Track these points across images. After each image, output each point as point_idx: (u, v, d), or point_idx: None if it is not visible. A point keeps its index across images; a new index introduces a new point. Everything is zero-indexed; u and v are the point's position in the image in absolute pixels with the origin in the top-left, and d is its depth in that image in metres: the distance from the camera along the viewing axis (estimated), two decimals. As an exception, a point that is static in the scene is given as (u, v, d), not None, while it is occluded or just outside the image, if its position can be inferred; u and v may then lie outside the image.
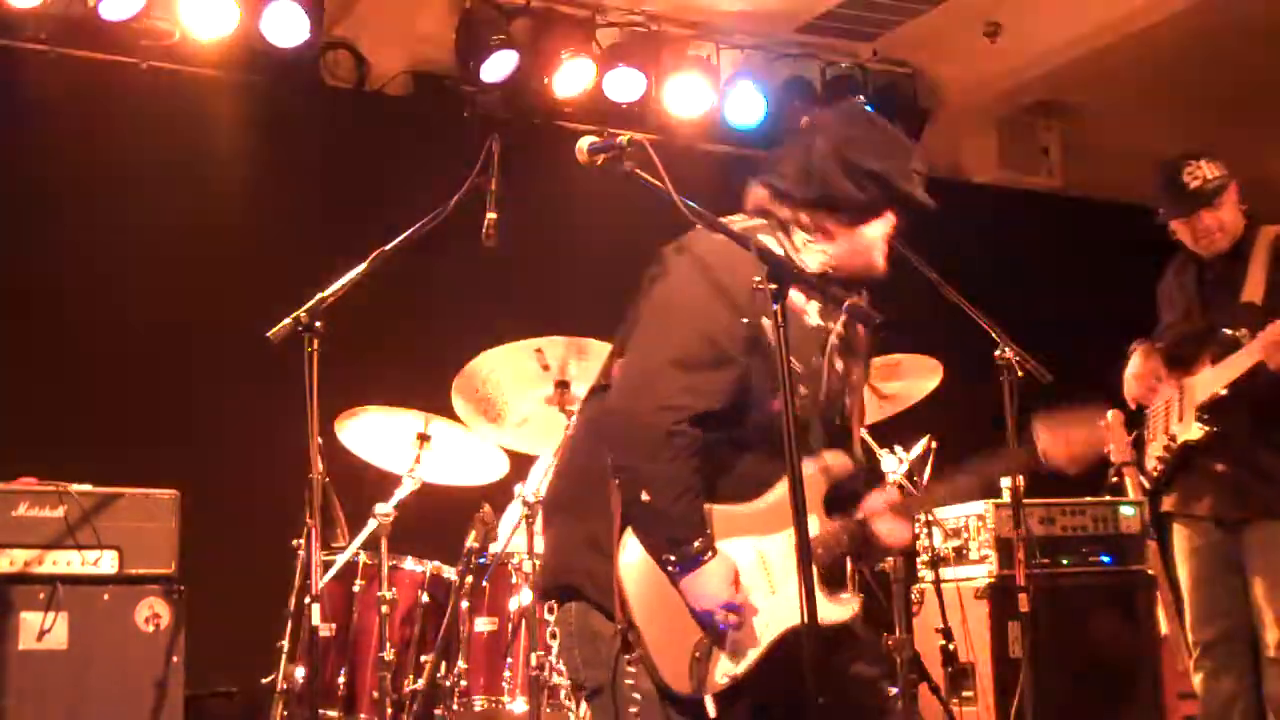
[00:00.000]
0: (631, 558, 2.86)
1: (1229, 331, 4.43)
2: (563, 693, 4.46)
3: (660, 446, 2.80)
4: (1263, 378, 4.34)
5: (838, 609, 2.95)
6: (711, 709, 2.79)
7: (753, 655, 2.85)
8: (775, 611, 2.87)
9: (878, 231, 3.02)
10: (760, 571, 2.89)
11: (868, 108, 3.11)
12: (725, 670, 2.84)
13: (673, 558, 2.80)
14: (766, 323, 2.82)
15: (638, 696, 2.84)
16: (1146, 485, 4.88)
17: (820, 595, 2.75)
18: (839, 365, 3.01)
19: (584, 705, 3.02)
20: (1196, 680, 4.59)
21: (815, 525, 2.91)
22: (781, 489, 2.85)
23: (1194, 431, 4.48)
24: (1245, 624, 4.51)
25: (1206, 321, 4.55)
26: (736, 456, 2.90)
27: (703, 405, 2.82)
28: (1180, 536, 4.67)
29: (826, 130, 3.03)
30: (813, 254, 3.00)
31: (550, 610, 3.09)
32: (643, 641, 2.82)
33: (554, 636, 3.07)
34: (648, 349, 2.91)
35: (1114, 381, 4.83)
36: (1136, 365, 4.72)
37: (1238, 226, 4.56)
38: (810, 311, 2.99)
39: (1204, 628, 4.57)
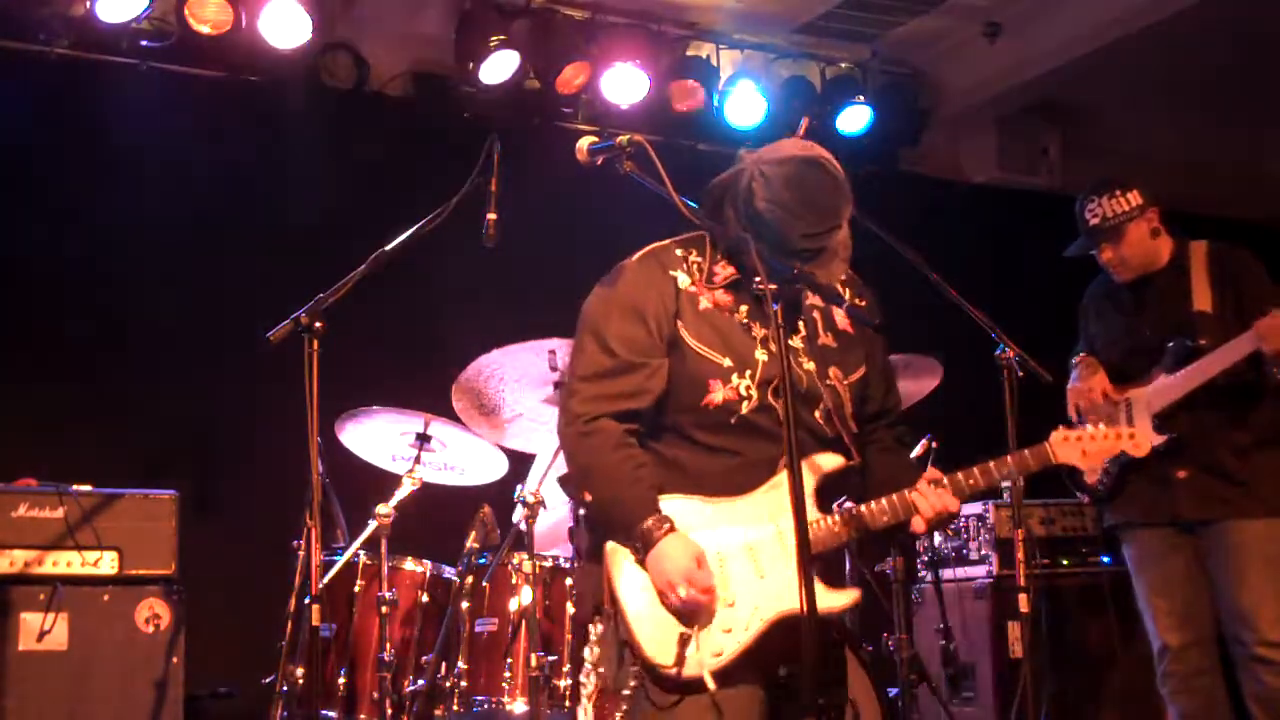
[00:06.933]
0: (615, 553, 3.01)
1: (1187, 341, 4.44)
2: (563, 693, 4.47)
3: (580, 449, 3.01)
4: (1223, 380, 4.36)
5: (835, 598, 3.02)
6: (710, 683, 2.88)
7: (746, 636, 2.93)
8: (766, 595, 2.96)
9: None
10: (747, 558, 2.99)
11: (811, 159, 3.02)
12: (715, 648, 2.92)
13: (636, 543, 2.94)
14: (682, 327, 3.01)
15: (629, 680, 2.95)
16: (1086, 501, 4.87)
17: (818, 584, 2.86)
18: (808, 365, 3.06)
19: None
20: (1168, 687, 4.53)
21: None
22: (769, 484, 3.00)
23: (1151, 439, 4.45)
24: (1214, 626, 4.52)
25: (1153, 334, 4.54)
26: (708, 456, 3.02)
27: (613, 407, 3.00)
28: (1138, 546, 4.64)
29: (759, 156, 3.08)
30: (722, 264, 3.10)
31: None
32: (626, 623, 2.93)
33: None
34: (568, 374, 3.12)
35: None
36: (1082, 378, 4.68)
37: (1149, 256, 4.59)
38: (741, 312, 3.08)
39: (1181, 632, 4.52)
